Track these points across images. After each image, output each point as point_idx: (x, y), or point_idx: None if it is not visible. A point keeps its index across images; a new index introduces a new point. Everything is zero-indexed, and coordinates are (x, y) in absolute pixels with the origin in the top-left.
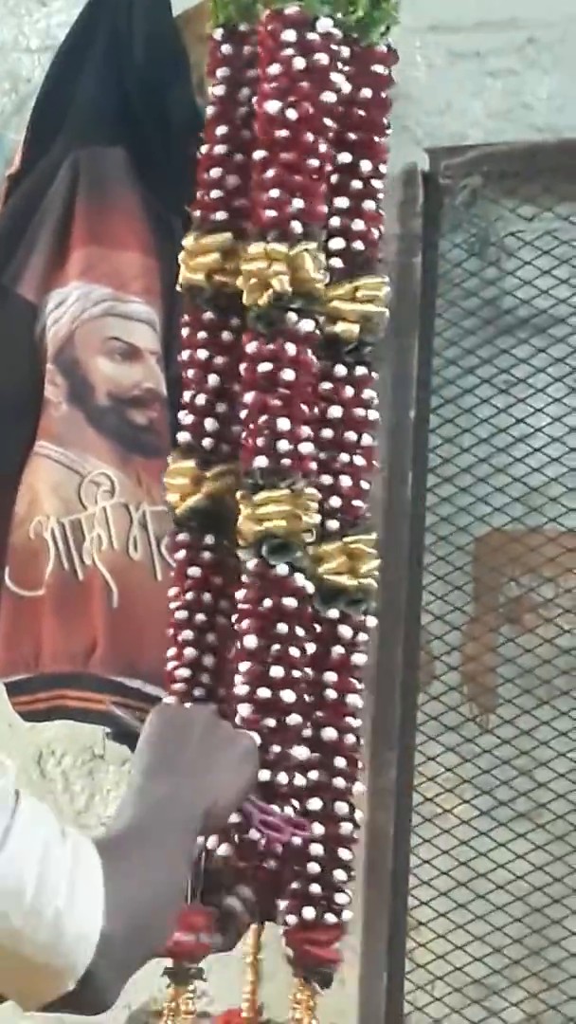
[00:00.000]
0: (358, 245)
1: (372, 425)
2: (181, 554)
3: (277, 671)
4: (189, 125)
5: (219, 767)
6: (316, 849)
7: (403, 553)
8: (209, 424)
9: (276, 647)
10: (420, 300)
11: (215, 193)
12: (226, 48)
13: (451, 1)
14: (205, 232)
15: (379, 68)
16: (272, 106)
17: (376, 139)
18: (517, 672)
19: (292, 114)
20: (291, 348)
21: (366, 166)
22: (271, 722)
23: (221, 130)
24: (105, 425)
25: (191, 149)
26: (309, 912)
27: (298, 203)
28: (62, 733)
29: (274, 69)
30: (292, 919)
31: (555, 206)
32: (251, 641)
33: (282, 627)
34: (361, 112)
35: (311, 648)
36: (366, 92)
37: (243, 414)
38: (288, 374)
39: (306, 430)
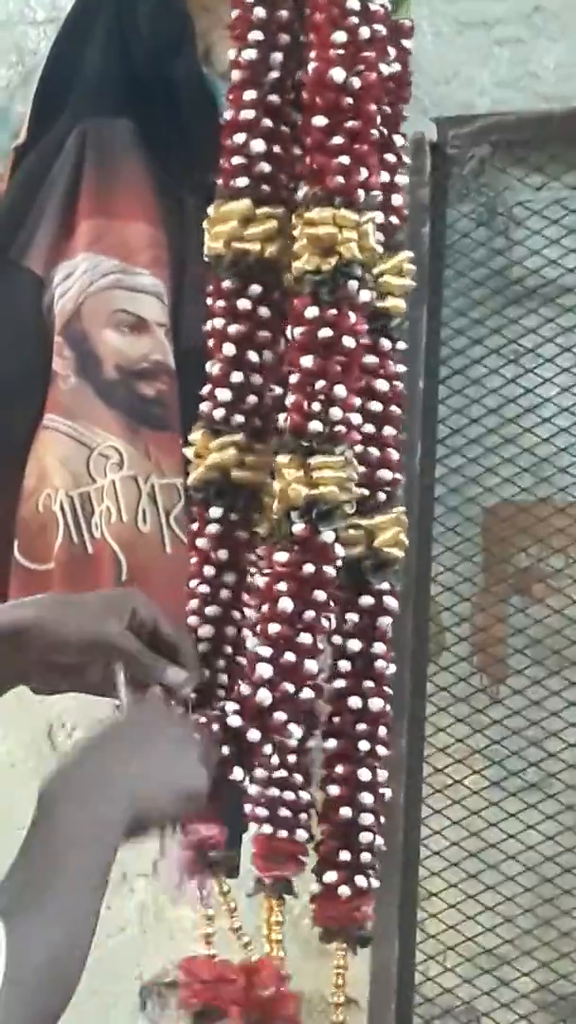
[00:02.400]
0: (394, 219)
1: (405, 400)
2: (213, 528)
3: (306, 638)
4: (195, 95)
5: (154, 745)
6: (368, 819)
7: (412, 524)
8: (223, 395)
9: (310, 613)
10: (428, 271)
11: (237, 160)
12: (260, 11)
13: None
14: (228, 199)
15: (407, 43)
16: (338, 74)
17: (403, 113)
18: (527, 643)
19: (357, 83)
20: (352, 316)
21: (398, 140)
22: (290, 688)
23: (249, 95)
24: (113, 398)
25: (199, 119)
26: (361, 881)
27: (364, 172)
28: (72, 706)
29: (340, 36)
30: (345, 890)
31: (563, 175)
32: (286, 604)
33: (319, 594)
34: (392, 86)
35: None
36: (396, 66)
37: (293, 378)
38: (349, 341)
39: (357, 401)
